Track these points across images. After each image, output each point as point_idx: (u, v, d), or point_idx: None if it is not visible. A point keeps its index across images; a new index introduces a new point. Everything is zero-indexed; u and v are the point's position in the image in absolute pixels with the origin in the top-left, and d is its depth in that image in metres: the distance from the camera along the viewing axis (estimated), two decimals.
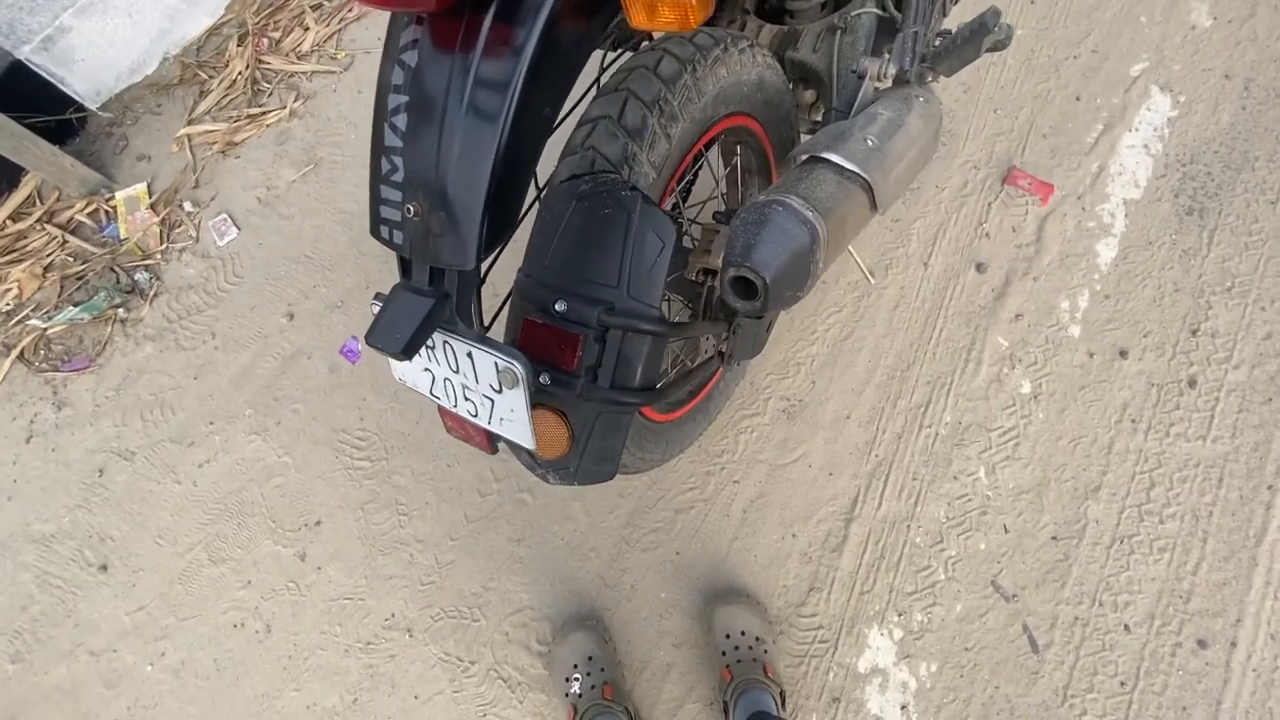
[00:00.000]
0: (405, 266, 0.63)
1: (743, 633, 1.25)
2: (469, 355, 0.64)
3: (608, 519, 1.39)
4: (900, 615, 1.29)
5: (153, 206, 1.81)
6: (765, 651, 1.23)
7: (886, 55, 0.95)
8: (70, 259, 1.76)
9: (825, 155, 0.78)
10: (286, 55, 1.98)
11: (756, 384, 1.45)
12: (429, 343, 0.69)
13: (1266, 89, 1.62)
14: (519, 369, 0.61)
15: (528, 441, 0.67)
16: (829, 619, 1.30)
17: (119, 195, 1.81)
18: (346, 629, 1.37)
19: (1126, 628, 1.26)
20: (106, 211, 1.82)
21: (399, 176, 0.58)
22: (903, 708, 1.24)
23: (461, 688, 1.31)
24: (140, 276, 1.73)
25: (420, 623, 1.36)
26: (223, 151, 1.87)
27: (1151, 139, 1.59)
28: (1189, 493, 1.33)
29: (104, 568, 1.47)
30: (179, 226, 1.79)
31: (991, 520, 1.34)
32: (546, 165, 0.75)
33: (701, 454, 1.41)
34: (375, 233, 0.61)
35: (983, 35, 0.85)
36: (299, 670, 1.35)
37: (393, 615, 1.37)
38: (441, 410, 0.76)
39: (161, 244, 1.77)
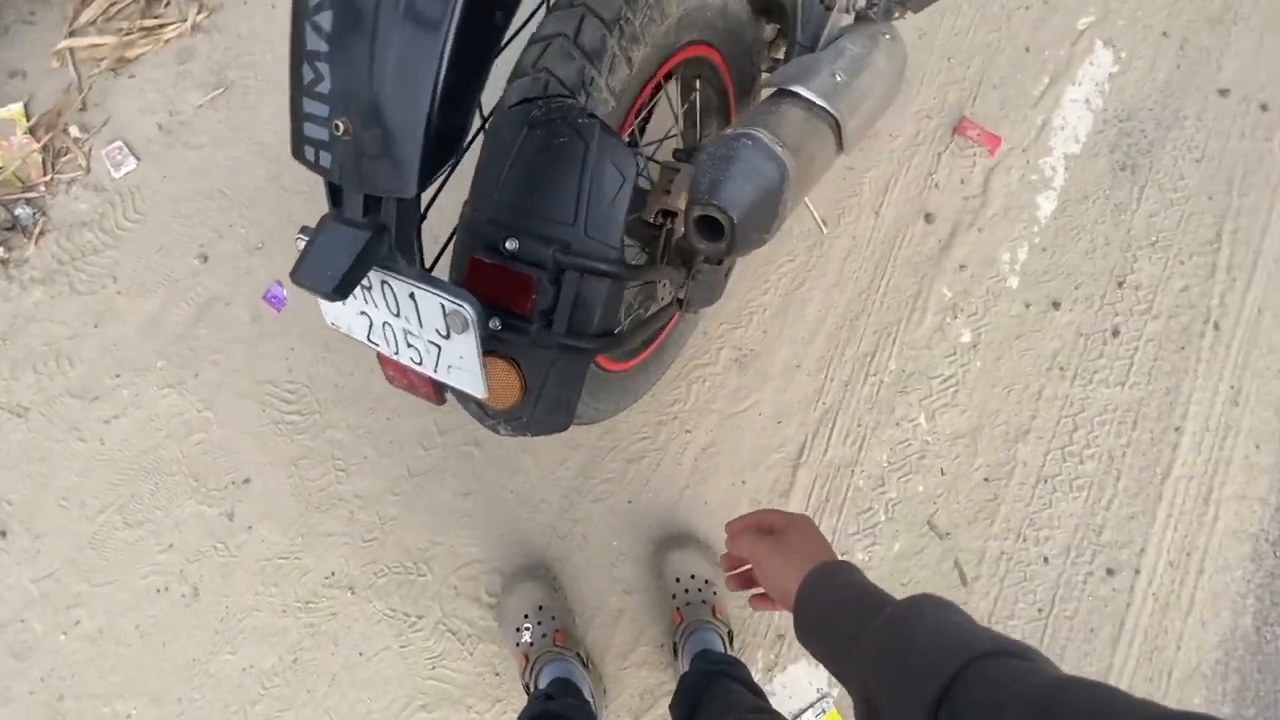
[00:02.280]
0: (335, 195, 0.56)
1: (692, 576, 1.27)
2: (411, 296, 0.58)
3: (559, 470, 1.36)
4: (843, 555, 1.34)
5: (31, 131, 1.58)
6: (715, 593, 1.26)
7: None
8: None
9: (794, 88, 0.74)
10: None
11: (710, 333, 1.44)
12: (365, 282, 0.62)
13: (1200, 48, 1.67)
14: (468, 311, 0.56)
15: (479, 390, 0.62)
16: None
17: None
18: (283, 589, 1.30)
19: (1045, 560, 1.35)
20: None
21: (325, 87, 0.50)
22: None
23: (408, 642, 1.28)
24: (21, 211, 1.53)
25: (363, 580, 1.31)
26: (113, 69, 1.64)
27: (1093, 94, 1.63)
28: (1106, 435, 1.41)
29: (2, 534, 1.34)
30: (65, 155, 1.58)
31: (930, 464, 1.39)
32: (493, 89, 0.68)
33: (654, 404, 1.39)
34: (299, 154, 0.53)
35: None
36: (233, 633, 1.28)
37: (333, 573, 1.31)
38: (381, 358, 0.70)
39: (45, 174, 1.56)
